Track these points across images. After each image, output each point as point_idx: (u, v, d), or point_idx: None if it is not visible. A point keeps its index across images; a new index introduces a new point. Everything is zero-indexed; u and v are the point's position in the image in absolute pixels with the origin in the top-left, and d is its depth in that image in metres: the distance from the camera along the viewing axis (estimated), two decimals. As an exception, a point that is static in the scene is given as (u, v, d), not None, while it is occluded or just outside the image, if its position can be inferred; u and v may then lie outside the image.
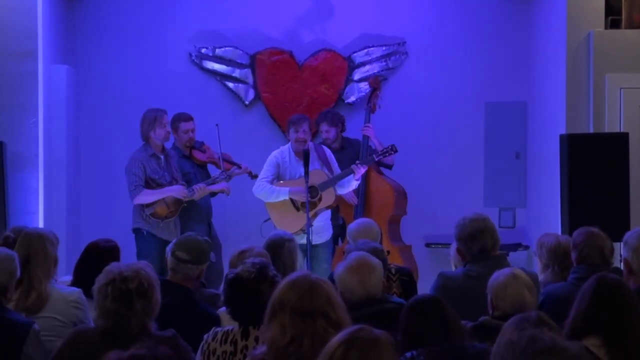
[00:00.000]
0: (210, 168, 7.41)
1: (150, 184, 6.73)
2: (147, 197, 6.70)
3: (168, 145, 7.12)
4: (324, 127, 7.52)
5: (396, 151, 7.01)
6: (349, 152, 7.47)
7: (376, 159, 7.08)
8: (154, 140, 6.80)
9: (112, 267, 3.40)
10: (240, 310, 3.60)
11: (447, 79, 8.26)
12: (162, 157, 6.84)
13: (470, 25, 8.26)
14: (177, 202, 6.81)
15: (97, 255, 4.60)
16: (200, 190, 6.84)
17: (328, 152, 7.13)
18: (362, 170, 6.92)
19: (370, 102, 7.63)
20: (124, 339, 3.16)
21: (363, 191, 7.36)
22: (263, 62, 8.25)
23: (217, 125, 7.12)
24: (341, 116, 7.64)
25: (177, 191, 6.75)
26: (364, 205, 7.37)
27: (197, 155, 7.25)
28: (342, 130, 7.60)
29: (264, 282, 3.59)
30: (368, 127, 7.49)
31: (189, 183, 6.95)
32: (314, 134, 8.11)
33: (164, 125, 6.79)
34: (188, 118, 7.20)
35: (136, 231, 6.84)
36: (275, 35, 8.27)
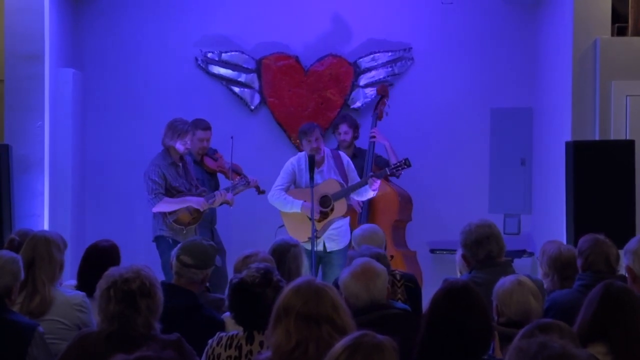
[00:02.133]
0: (220, 177, 7.43)
1: (172, 191, 6.72)
2: (166, 205, 6.67)
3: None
4: (343, 128, 7.54)
5: (410, 166, 6.99)
6: (360, 162, 7.47)
7: (388, 172, 7.08)
8: (173, 150, 6.77)
9: (111, 271, 3.40)
10: (245, 315, 3.59)
11: (452, 84, 8.25)
12: (180, 165, 6.84)
13: (476, 32, 8.26)
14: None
15: (98, 256, 4.63)
16: (220, 196, 6.83)
17: (346, 159, 7.07)
18: (377, 182, 6.89)
19: (377, 109, 7.67)
20: (130, 341, 3.16)
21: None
22: (269, 67, 8.26)
23: (232, 137, 7.11)
24: (358, 123, 7.68)
25: (197, 203, 6.73)
26: (368, 210, 7.37)
27: (208, 162, 7.26)
28: (356, 137, 7.62)
29: (268, 286, 3.59)
30: (375, 131, 7.54)
31: (196, 189, 6.94)
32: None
33: (185, 142, 6.74)
34: (206, 127, 7.19)
35: (159, 239, 6.79)
36: (282, 40, 8.28)
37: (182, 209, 6.71)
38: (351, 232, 7.15)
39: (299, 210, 6.82)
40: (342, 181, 6.92)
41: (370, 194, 6.97)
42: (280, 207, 6.95)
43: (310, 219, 6.81)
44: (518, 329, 3.15)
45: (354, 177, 7.00)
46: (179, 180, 6.77)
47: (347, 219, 7.03)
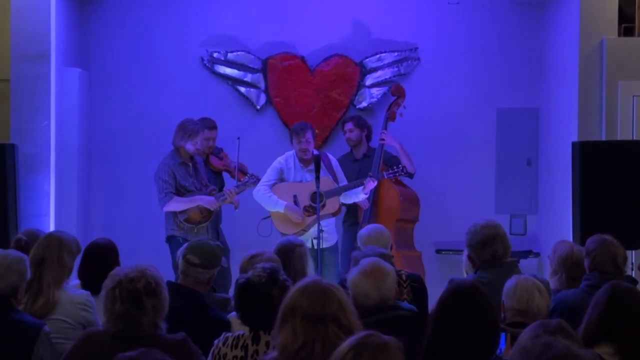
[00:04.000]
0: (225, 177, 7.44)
1: (181, 191, 6.74)
2: (177, 204, 6.70)
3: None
4: (348, 125, 7.56)
5: (407, 173, 7.05)
6: (372, 161, 7.47)
7: (386, 176, 7.10)
8: (183, 151, 6.80)
9: (117, 271, 3.40)
10: (251, 315, 3.59)
11: (458, 85, 8.24)
12: (190, 164, 6.86)
13: (483, 32, 8.25)
14: None
15: (99, 254, 4.66)
16: (230, 194, 6.85)
17: (334, 161, 7.16)
18: (372, 184, 6.93)
19: (389, 110, 7.61)
20: (135, 341, 3.15)
21: (373, 195, 7.35)
22: (275, 66, 8.26)
23: (238, 138, 7.12)
24: (368, 124, 7.67)
25: (207, 202, 6.76)
26: (372, 208, 7.38)
27: (214, 161, 7.29)
28: (368, 138, 7.61)
29: (274, 286, 3.59)
30: (384, 133, 7.50)
31: (207, 188, 6.96)
32: (324, 138, 8.12)
33: (195, 142, 6.78)
34: (212, 126, 7.24)
35: (171, 239, 6.81)
36: (287, 40, 8.27)
37: (192, 208, 6.73)
38: (350, 230, 7.25)
39: (282, 211, 6.86)
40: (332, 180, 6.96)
41: (361, 196, 7.01)
42: (264, 204, 6.99)
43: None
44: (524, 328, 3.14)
45: (341, 178, 7.08)
46: (189, 179, 6.81)
47: (334, 218, 7.06)
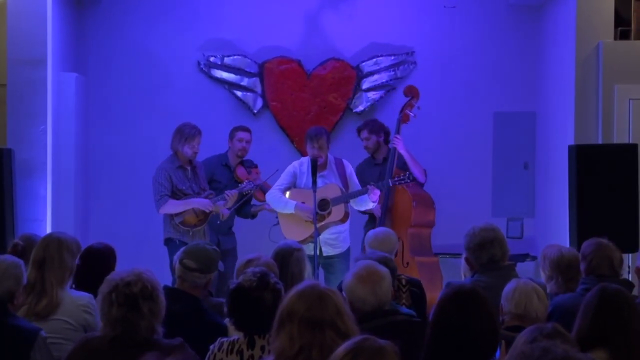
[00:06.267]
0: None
1: (178, 194, 6.77)
2: (172, 207, 6.75)
3: (221, 151, 7.32)
4: (363, 134, 7.41)
5: (412, 180, 6.93)
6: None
7: (390, 184, 6.98)
8: (181, 154, 6.82)
9: (113, 275, 3.39)
10: (244, 320, 3.59)
11: (455, 88, 8.25)
12: (188, 168, 6.88)
13: (479, 35, 8.26)
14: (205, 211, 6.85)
15: (93, 259, 4.64)
16: (231, 198, 6.86)
17: (349, 168, 7.06)
18: (377, 192, 6.82)
19: (402, 111, 7.36)
20: (133, 345, 3.15)
21: (387, 201, 7.18)
22: (271, 70, 8.26)
23: (277, 170, 7.15)
24: (385, 127, 7.45)
25: (202, 204, 6.79)
26: (385, 216, 7.23)
27: (239, 172, 7.29)
28: (386, 141, 7.42)
29: (265, 290, 3.59)
30: (397, 138, 7.26)
31: (216, 191, 7.00)
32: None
33: (193, 146, 6.82)
34: (246, 129, 7.34)
35: (168, 241, 6.85)
36: (284, 44, 8.28)
37: (188, 210, 6.77)
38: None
39: (293, 211, 6.83)
40: (342, 187, 6.92)
41: (370, 204, 6.93)
42: (275, 206, 6.98)
43: (305, 221, 6.83)
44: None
45: (355, 184, 6.99)
46: (186, 183, 6.83)
47: (347, 224, 7.00)
